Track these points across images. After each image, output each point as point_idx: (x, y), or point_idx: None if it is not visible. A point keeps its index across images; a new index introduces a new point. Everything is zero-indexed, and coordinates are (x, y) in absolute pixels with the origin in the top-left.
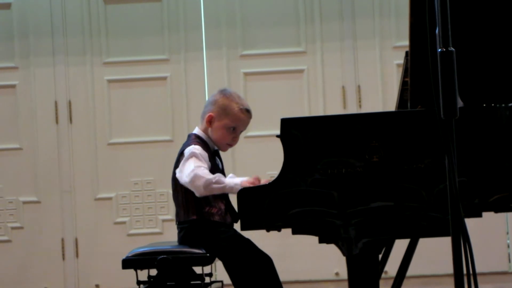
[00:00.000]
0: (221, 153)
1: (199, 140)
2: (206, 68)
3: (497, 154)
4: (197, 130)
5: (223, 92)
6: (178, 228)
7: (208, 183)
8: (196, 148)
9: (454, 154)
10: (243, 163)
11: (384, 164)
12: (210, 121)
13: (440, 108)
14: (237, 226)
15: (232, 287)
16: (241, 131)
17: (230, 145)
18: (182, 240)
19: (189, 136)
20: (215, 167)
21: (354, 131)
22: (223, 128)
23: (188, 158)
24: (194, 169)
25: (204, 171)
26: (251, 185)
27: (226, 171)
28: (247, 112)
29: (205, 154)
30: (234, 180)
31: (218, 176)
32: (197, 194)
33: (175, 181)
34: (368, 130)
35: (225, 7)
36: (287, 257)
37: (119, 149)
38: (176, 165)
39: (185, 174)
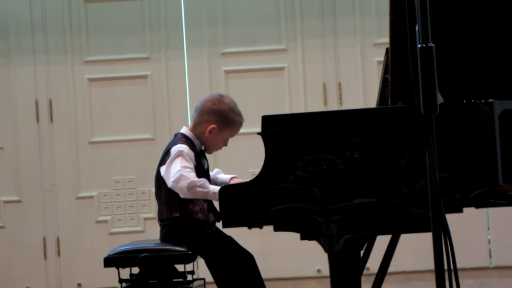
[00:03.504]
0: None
1: (185, 140)
2: (187, 66)
3: (477, 149)
4: (184, 130)
5: (224, 102)
6: (160, 225)
7: (192, 185)
8: (183, 147)
9: (434, 150)
10: (224, 161)
11: (365, 160)
12: (210, 131)
13: (420, 104)
14: (219, 224)
15: (214, 285)
16: None
17: (218, 150)
18: (164, 237)
19: (176, 135)
20: (201, 166)
21: (335, 128)
22: (222, 139)
23: (174, 158)
24: (180, 170)
25: (190, 174)
26: None
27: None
28: (242, 123)
29: (191, 154)
30: (219, 187)
31: (203, 180)
32: (181, 195)
33: (158, 178)
34: (349, 127)
35: (206, 5)
36: (269, 254)
37: (101, 148)
38: (161, 163)
39: (171, 174)
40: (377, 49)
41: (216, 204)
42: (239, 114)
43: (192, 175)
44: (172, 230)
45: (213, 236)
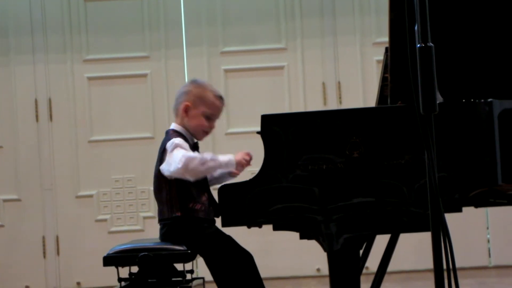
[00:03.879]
0: (201, 147)
1: (177, 134)
2: (186, 65)
3: (476, 149)
4: (174, 126)
5: (195, 82)
6: (160, 224)
7: (204, 161)
8: (177, 140)
9: (433, 149)
10: None
11: (364, 160)
12: (186, 111)
13: (420, 103)
14: (218, 223)
15: (213, 284)
16: (216, 119)
17: (207, 133)
18: (164, 236)
19: (167, 132)
20: None
21: (335, 127)
22: (201, 115)
23: (172, 150)
24: (184, 154)
25: (193, 153)
26: (244, 161)
27: None
28: (221, 99)
29: (186, 145)
30: (226, 156)
31: (210, 154)
32: (192, 178)
33: (158, 178)
34: (349, 126)
35: (206, 4)
36: (269, 253)
37: (100, 147)
38: (159, 162)
39: (175, 163)
40: (377, 48)
41: (216, 197)
42: (213, 90)
43: (196, 153)
44: (172, 229)
45: (213, 235)
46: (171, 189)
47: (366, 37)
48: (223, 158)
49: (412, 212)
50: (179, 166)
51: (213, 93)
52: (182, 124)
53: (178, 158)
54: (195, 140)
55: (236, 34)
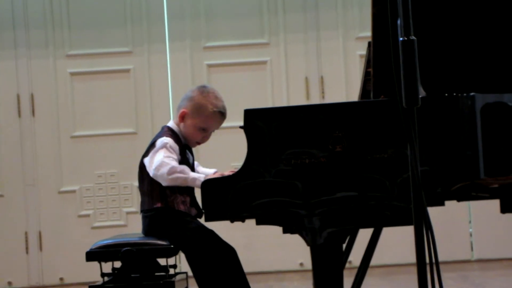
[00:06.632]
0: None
1: (171, 133)
2: (169, 60)
3: (459, 143)
4: (171, 123)
5: (201, 90)
6: (142, 216)
7: (173, 171)
8: (167, 140)
9: (416, 143)
10: (207, 155)
11: (347, 154)
12: (183, 117)
13: (402, 97)
14: (201, 218)
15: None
16: (213, 131)
17: (199, 143)
18: (146, 229)
19: (162, 128)
20: (186, 161)
21: (318, 122)
22: (194, 126)
23: (158, 149)
24: (162, 159)
25: (171, 161)
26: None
27: None
28: (221, 114)
29: (175, 147)
30: (199, 174)
31: (183, 166)
32: (162, 184)
33: (142, 169)
34: (331, 121)
35: None
36: (251, 248)
37: (83, 142)
38: (145, 155)
39: (152, 164)
40: (360, 42)
41: (199, 199)
42: (214, 104)
43: (173, 162)
44: (154, 221)
45: (195, 230)
46: (152, 180)
47: (349, 31)
48: (194, 175)
49: (395, 206)
50: (152, 168)
51: (213, 108)
52: (178, 125)
53: (157, 160)
54: None
55: (219, 29)
